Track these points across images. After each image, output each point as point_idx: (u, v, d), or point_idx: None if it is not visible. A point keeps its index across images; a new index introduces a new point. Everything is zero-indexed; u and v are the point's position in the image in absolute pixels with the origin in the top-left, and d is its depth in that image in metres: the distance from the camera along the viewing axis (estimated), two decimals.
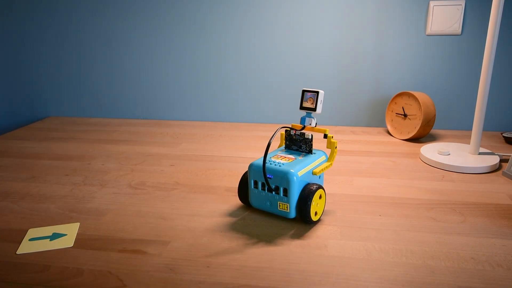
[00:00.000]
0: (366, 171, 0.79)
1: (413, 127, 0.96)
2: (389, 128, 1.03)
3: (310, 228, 0.57)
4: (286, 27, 1.09)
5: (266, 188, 0.58)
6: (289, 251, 0.52)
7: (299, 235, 0.56)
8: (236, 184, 0.73)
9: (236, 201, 0.66)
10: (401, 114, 1.00)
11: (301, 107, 0.63)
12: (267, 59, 1.13)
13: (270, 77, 1.14)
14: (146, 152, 0.92)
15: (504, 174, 0.76)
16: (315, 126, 0.63)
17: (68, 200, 0.67)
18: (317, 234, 0.56)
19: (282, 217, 0.60)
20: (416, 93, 0.95)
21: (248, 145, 0.96)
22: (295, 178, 0.55)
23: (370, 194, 0.69)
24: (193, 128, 1.12)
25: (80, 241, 0.55)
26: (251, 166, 0.59)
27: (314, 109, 0.62)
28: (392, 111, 1.03)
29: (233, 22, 1.11)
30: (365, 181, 0.74)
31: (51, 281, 0.47)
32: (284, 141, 0.66)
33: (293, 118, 1.16)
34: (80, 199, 0.67)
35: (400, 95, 1.00)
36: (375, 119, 1.13)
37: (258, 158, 0.87)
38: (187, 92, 1.19)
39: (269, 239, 0.55)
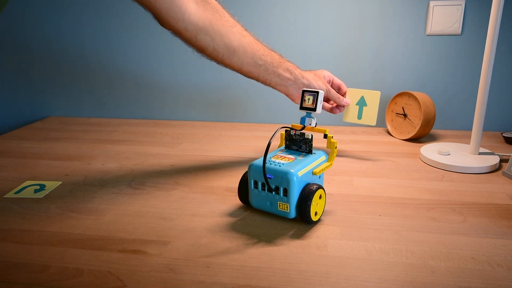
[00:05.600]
0: (366, 171, 0.79)
1: (413, 127, 0.96)
2: (389, 128, 1.03)
3: (310, 228, 0.57)
4: (285, 27, 1.09)
5: (266, 188, 0.58)
6: (289, 251, 0.52)
7: (299, 235, 0.56)
8: (236, 184, 0.73)
9: (236, 201, 0.66)
10: (401, 114, 1.00)
11: (301, 107, 0.63)
12: None
13: None
14: (146, 152, 0.92)
15: (504, 174, 0.76)
16: (315, 126, 0.63)
17: (68, 200, 0.67)
18: (317, 234, 0.56)
19: (282, 217, 0.60)
20: (416, 93, 0.95)
21: (248, 145, 0.96)
22: (295, 178, 0.55)
23: (370, 194, 0.69)
24: (193, 128, 1.12)
25: (80, 241, 0.55)
26: (251, 166, 0.59)
27: (314, 109, 0.62)
28: (392, 111, 1.03)
29: None
30: (365, 181, 0.74)
31: (51, 281, 0.47)
32: (284, 141, 0.66)
33: (293, 118, 1.16)
34: (80, 199, 0.67)
35: (400, 95, 1.00)
36: None
37: (258, 158, 0.86)
38: (187, 92, 1.19)
39: (269, 239, 0.55)
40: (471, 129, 1.09)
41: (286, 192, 0.56)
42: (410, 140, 0.98)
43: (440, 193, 0.69)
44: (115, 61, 1.20)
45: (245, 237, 0.55)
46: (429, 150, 0.86)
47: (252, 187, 0.60)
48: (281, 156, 0.61)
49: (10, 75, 1.26)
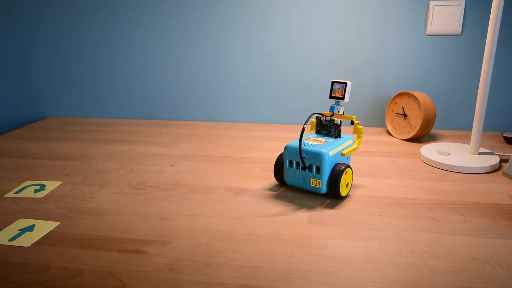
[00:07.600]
0: (366, 171, 0.79)
1: (413, 127, 0.96)
2: (389, 128, 1.03)
3: (310, 228, 0.57)
4: (285, 27, 1.09)
5: (300, 167, 0.65)
6: (289, 251, 0.52)
7: (299, 235, 0.56)
8: (236, 184, 0.73)
9: (235, 201, 0.66)
10: (401, 114, 1.00)
11: (331, 96, 0.70)
12: (267, 60, 1.13)
13: (270, 77, 1.14)
14: (146, 152, 0.92)
15: (504, 174, 0.76)
16: (343, 114, 0.70)
17: (68, 200, 0.67)
18: (317, 234, 0.56)
19: (282, 217, 0.60)
20: (416, 93, 0.95)
21: (248, 145, 0.96)
22: (327, 157, 0.63)
23: (370, 194, 0.69)
24: (193, 128, 1.12)
25: (80, 241, 0.55)
26: (286, 147, 0.66)
27: (343, 98, 0.69)
28: (392, 111, 1.03)
29: (232, 23, 1.11)
30: (365, 181, 0.74)
31: (51, 281, 0.47)
32: (315, 127, 0.73)
33: (294, 118, 1.16)
34: (80, 199, 0.67)
35: (400, 95, 1.00)
36: (375, 119, 1.13)
37: (258, 158, 0.87)
38: (187, 92, 1.19)
39: (269, 239, 0.55)
40: (471, 129, 1.09)
41: (318, 170, 0.63)
42: (410, 140, 0.98)
43: (440, 193, 0.69)
44: (115, 61, 1.20)
45: (245, 237, 0.55)
46: (429, 150, 0.86)
47: (287, 166, 0.67)
48: (313, 139, 0.69)
49: (10, 75, 1.26)
